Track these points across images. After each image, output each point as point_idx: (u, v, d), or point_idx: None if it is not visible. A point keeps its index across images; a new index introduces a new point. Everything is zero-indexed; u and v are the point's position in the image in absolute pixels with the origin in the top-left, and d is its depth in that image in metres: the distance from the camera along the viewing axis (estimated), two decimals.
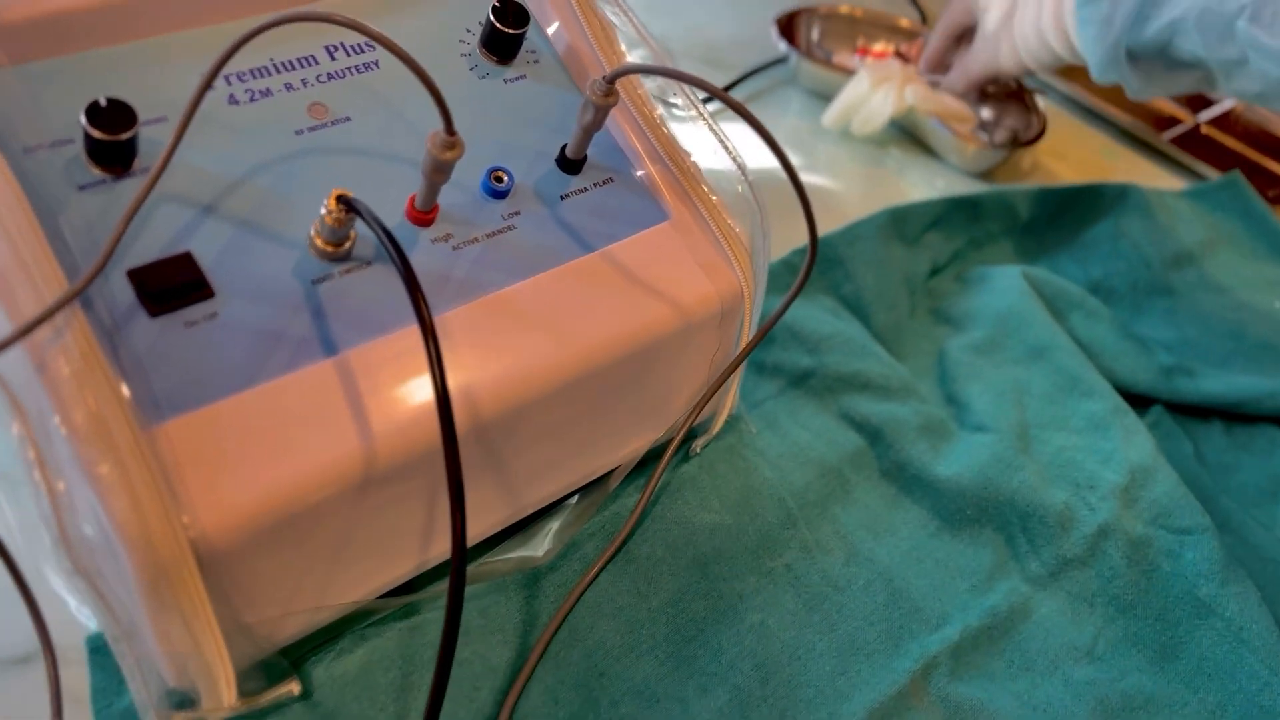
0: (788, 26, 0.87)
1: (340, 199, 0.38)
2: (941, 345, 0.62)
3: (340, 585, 0.41)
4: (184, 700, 0.38)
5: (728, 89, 0.78)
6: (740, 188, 0.48)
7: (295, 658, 0.42)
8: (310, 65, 0.44)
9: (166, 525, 0.33)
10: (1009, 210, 0.73)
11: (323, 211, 0.38)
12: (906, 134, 0.82)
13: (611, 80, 0.42)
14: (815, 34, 0.89)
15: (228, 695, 0.38)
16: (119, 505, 0.33)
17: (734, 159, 0.48)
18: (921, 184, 0.78)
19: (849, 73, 0.81)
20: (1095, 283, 0.70)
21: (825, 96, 0.82)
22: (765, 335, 0.48)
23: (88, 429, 0.33)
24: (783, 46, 0.84)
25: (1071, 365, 0.60)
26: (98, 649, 0.41)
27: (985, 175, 0.80)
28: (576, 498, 0.49)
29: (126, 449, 0.33)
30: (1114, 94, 0.92)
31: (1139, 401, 0.61)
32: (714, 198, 0.47)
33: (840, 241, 0.64)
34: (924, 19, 0.99)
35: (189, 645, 0.36)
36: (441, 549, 0.44)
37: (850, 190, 0.74)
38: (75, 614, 0.43)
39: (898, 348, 0.62)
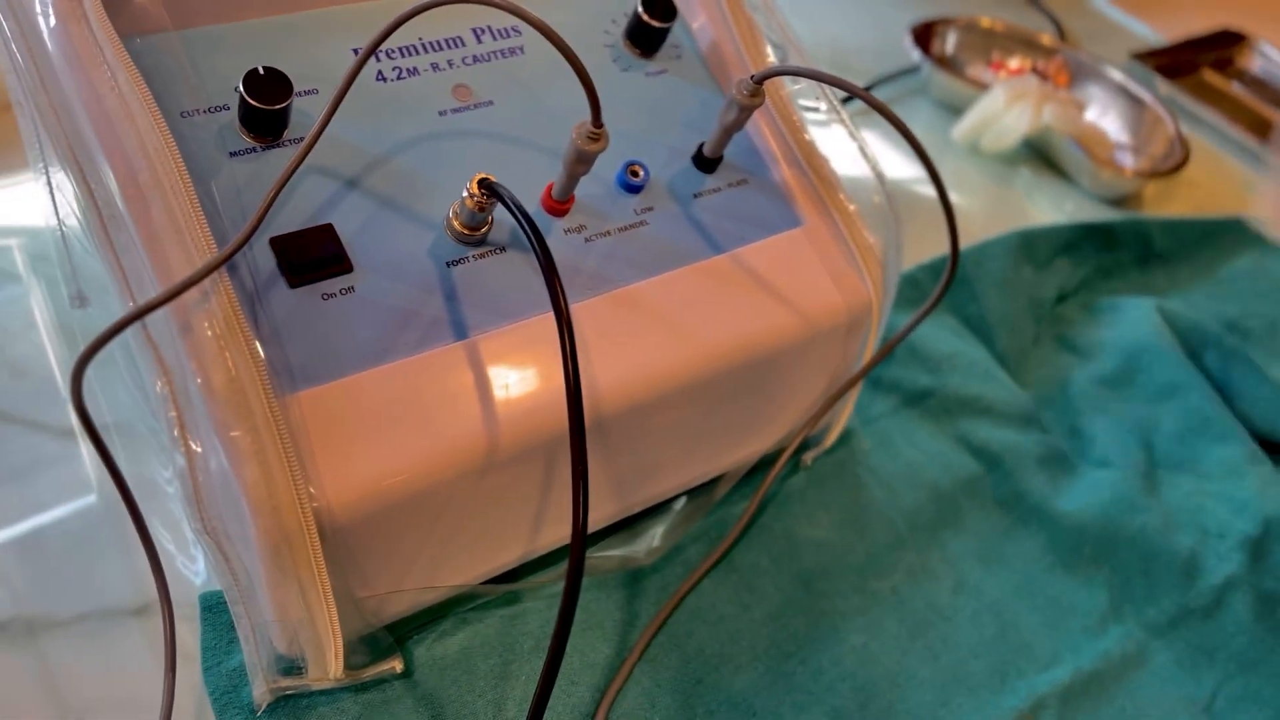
0: (923, 35, 0.85)
1: (483, 183, 0.38)
2: (1066, 375, 0.60)
3: (450, 567, 0.41)
4: (291, 667, 0.39)
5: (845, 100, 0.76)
6: (877, 198, 0.47)
7: (398, 636, 0.42)
8: (457, 47, 0.44)
9: (293, 494, 0.34)
10: (1143, 240, 0.70)
11: (464, 194, 0.38)
12: (1038, 153, 0.79)
13: (760, 81, 0.41)
14: (950, 45, 0.87)
15: (334, 666, 0.38)
16: (249, 471, 0.33)
17: (873, 168, 0.47)
18: (1050, 207, 0.75)
19: (983, 87, 0.79)
20: (1232, 321, 0.67)
21: (956, 109, 0.80)
22: (889, 353, 0.47)
23: (226, 393, 0.33)
24: (916, 55, 0.82)
25: (1205, 406, 0.57)
26: (210, 607, 0.42)
27: (1119, 202, 0.77)
28: (683, 500, 0.48)
29: (261, 416, 0.34)
30: (1259, 124, 0.88)
31: (1276, 450, 0.58)
32: (850, 207, 0.46)
33: (968, 260, 0.62)
34: (1062, 35, 0.96)
35: (303, 614, 0.36)
36: (549, 539, 0.44)
37: (976, 208, 0.72)
38: (183, 570, 0.44)
39: (1020, 374, 0.59)
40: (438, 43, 0.43)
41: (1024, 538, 0.52)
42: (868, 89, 0.82)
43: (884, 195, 0.47)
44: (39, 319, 0.53)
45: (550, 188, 0.41)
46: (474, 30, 0.44)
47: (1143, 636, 0.48)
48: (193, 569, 0.44)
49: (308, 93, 0.40)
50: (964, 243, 0.64)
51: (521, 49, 0.45)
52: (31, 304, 0.53)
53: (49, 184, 0.47)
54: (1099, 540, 0.51)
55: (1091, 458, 0.55)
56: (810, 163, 0.47)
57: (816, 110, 0.49)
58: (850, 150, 0.48)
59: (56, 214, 0.49)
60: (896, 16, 0.90)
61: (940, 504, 0.52)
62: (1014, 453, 0.53)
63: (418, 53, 0.43)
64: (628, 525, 0.48)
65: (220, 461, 0.34)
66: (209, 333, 0.34)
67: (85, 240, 0.45)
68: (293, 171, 0.36)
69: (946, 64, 0.85)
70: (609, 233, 0.42)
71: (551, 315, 0.40)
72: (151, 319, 0.35)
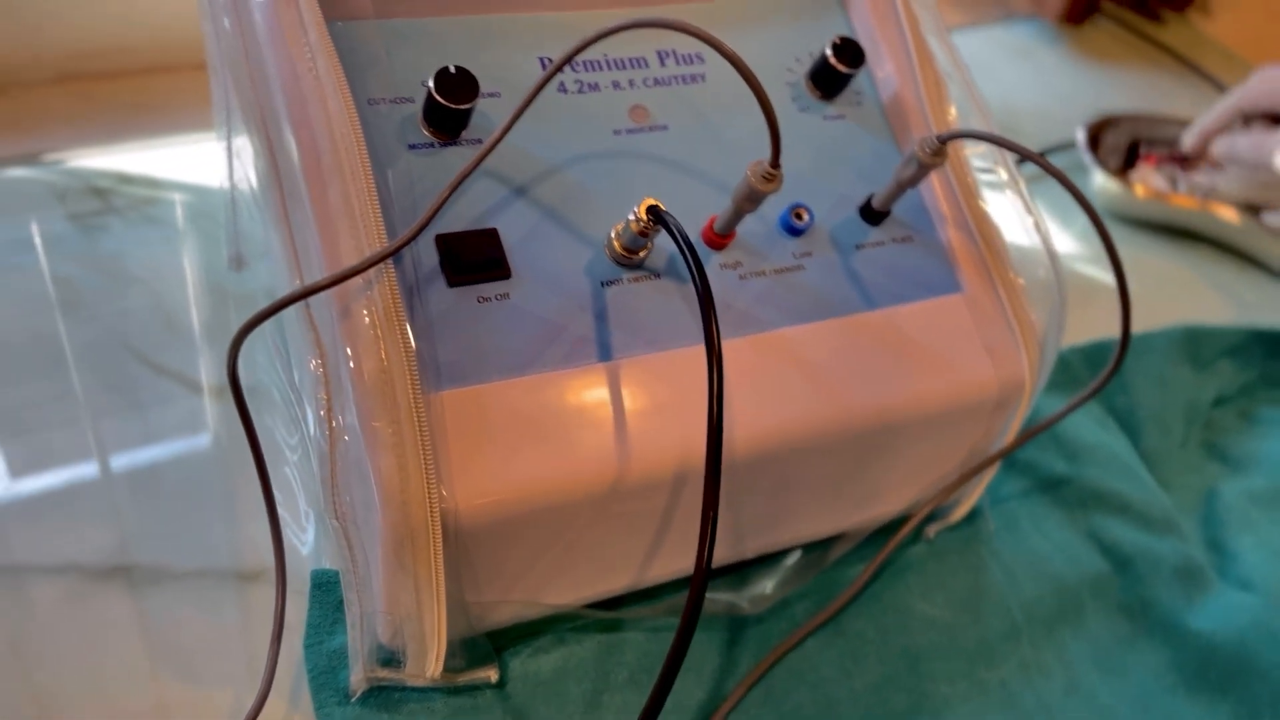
0: (1096, 132, 0.79)
1: (651, 209, 0.37)
2: (1214, 485, 0.57)
3: (559, 585, 0.40)
4: (391, 659, 0.39)
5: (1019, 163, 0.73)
6: (1044, 273, 0.45)
7: (496, 645, 0.42)
8: (640, 67, 0.44)
9: (424, 491, 0.34)
10: None
11: (630, 217, 0.38)
12: (1216, 230, 0.75)
13: (945, 141, 0.40)
14: (1123, 141, 0.81)
15: (433, 666, 0.38)
16: (386, 462, 0.34)
17: (1045, 243, 0.45)
18: (1226, 294, 0.71)
19: (1158, 197, 0.74)
20: None
21: (1127, 218, 0.76)
22: (1033, 438, 0.45)
23: (375, 382, 0.34)
24: (1087, 158, 0.77)
25: None
26: (321, 584, 0.42)
27: None
28: (798, 554, 0.47)
29: (405, 410, 0.34)
30: None
31: None
32: (1017, 280, 0.45)
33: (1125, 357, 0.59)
34: None
35: (412, 610, 0.36)
36: (660, 572, 0.43)
37: (1142, 288, 0.68)
38: (292, 539, 0.45)
39: (1164, 476, 0.56)
40: (621, 61, 0.43)
41: (1147, 650, 0.49)
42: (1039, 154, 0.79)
43: (1054, 273, 0.45)
44: (188, 274, 0.54)
45: (713, 220, 0.41)
46: (659, 52, 0.44)
47: None
48: (301, 538, 0.45)
49: (491, 95, 0.40)
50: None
51: (703, 77, 0.44)
52: (187, 261, 0.55)
53: (229, 147, 0.49)
54: (1230, 666, 0.47)
55: (1232, 577, 0.52)
56: (980, 228, 0.45)
57: (991, 172, 0.48)
58: (1020, 218, 0.46)
59: (230, 177, 0.51)
60: (1074, 84, 0.87)
61: (1062, 599, 0.49)
62: (1148, 558, 0.51)
63: (601, 69, 0.43)
64: (737, 570, 0.47)
65: (359, 449, 0.34)
66: (367, 321, 0.34)
67: (254, 207, 0.46)
68: (467, 174, 0.36)
69: (1119, 172, 0.79)
70: (764, 273, 0.42)
71: (696, 348, 0.39)
72: (314, 300, 0.36)
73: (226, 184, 0.51)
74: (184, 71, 0.64)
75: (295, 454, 0.48)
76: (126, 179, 0.58)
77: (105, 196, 0.56)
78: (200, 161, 0.60)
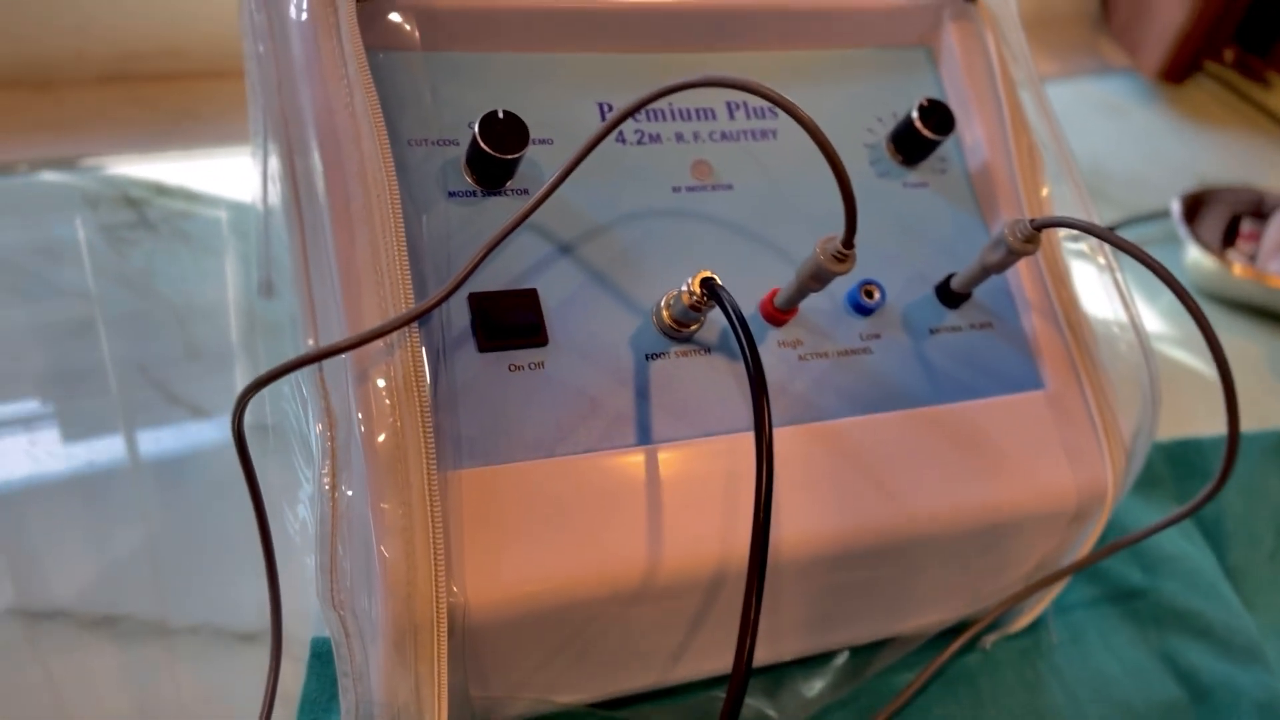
0: (1193, 207, 0.74)
1: (705, 282, 0.34)
2: None
3: (573, 683, 0.37)
4: None
5: (1112, 228, 0.68)
6: (1133, 362, 0.41)
7: None
8: (706, 119, 0.40)
9: (431, 584, 0.30)
10: None
11: (682, 288, 0.34)
12: None
13: (1040, 229, 0.36)
14: (1222, 218, 0.75)
15: None
16: (392, 549, 0.30)
17: (1141, 341, 0.41)
18: None
19: (1258, 277, 0.68)
20: None
21: (1222, 299, 0.71)
22: (1112, 553, 0.41)
23: (387, 459, 0.30)
24: (1182, 231, 0.72)
25: None
26: (320, 654, 0.39)
27: None
28: (840, 659, 0.43)
29: (417, 491, 0.31)
30: None
31: None
32: (1107, 380, 0.40)
33: (1213, 452, 0.54)
34: None
35: (411, 705, 0.33)
36: (684, 673, 0.39)
37: (1242, 384, 0.63)
38: (297, 598, 0.42)
39: (1250, 595, 0.51)
40: (688, 111, 0.40)
41: None
42: (1124, 224, 0.74)
43: (1149, 374, 0.40)
44: (220, 300, 0.52)
45: (774, 293, 0.37)
46: (728, 104, 0.40)
47: None
48: (309, 599, 0.42)
49: (543, 141, 0.37)
50: (1208, 428, 0.57)
51: (775, 133, 0.41)
52: (217, 283, 0.53)
53: (264, 170, 0.46)
54: None
55: None
56: (1069, 318, 0.41)
57: (1079, 239, 0.43)
58: (1109, 299, 0.42)
59: (265, 198, 0.48)
60: (1170, 149, 0.82)
61: None
62: (1228, 689, 0.46)
63: (665, 118, 0.39)
64: (771, 671, 0.43)
65: (364, 530, 0.31)
66: (384, 388, 0.31)
67: (285, 233, 0.44)
68: (506, 235, 0.33)
69: (1217, 248, 0.74)
70: (827, 354, 0.38)
71: (746, 436, 0.36)
72: (328, 361, 0.32)
73: (260, 206, 0.48)
74: (233, 79, 0.62)
75: (308, 508, 0.45)
76: (163, 190, 0.55)
77: (139, 207, 0.54)
78: (241, 176, 0.58)
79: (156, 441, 0.45)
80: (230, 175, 0.58)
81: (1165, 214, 0.74)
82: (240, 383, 0.49)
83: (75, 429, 0.45)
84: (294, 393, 0.45)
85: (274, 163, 0.44)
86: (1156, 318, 0.68)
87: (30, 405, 0.46)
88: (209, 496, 0.44)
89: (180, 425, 0.46)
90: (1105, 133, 0.85)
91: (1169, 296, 0.68)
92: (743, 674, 0.29)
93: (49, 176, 0.54)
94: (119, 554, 0.42)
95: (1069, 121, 0.76)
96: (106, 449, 0.45)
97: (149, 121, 0.59)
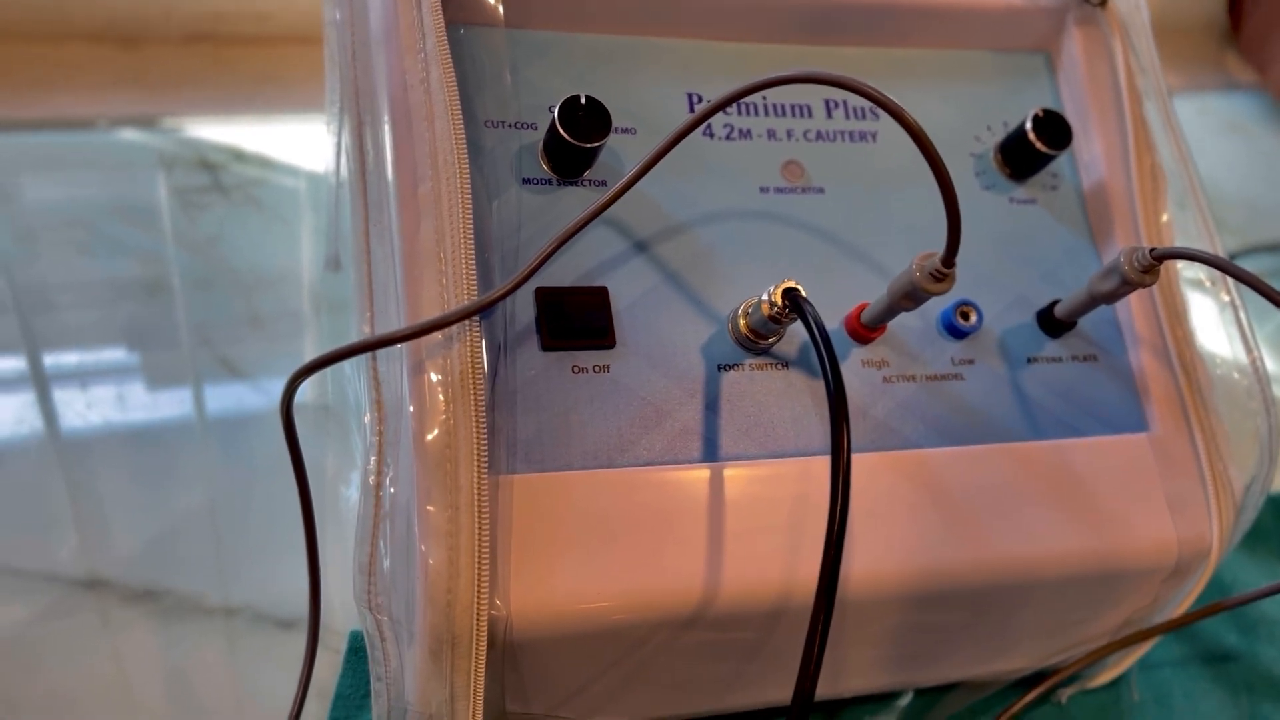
0: None
1: (788, 293, 0.31)
2: None
3: (615, 706, 0.35)
4: None
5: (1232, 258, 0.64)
6: (1256, 423, 0.37)
7: None
8: (802, 116, 0.37)
9: (473, 595, 0.29)
10: None
11: (763, 297, 0.32)
12: None
13: (1161, 259, 0.32)
14: None
15: None
16: (436, 555, 0.28)
17: (1261, 383, 0.37)
18: None
19: None
20: None
21: None
22: (1211, 615, 0.37)
23: (437, 458, 0.29)
24: None
25: None
26: (357, 649, 0.38)
27: None
28: (905, 699, 0.40)
29: (465, 495, 0.29)
30: None
31: None
32: (1222, 427, 0.37)
33: None
34: None
35: (445, 717, 0.31)
36: (736, 702, 0.37)
37: None
38: (338, 591, 0.40)
39: None
40: (782, 107, 0.37)
41: None
42: (1242, 254, 0.70)
43: (1269, 423, 0.37)
44: (288, 274, 0.51)
45: (862, 308, 0.34)
46: (826, 102, 0.38)
47: None
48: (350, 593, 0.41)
49: (625, 130, 0.35)
50: None
51: (875, 136, 0.38)
52: (286, 255, 0.51)
53: (338, 142, 0.45)
54: None
55: None
56: (1182, 358, 0.38)
57: (1197, 276, 0.40)
58: (1227, 333, 0.39)
59: (337, 170, 0.46)
60: None
61: None
62: None
63: (757, 113, 0.37)
64: (828, 709, 0.40)
65: (408, 532, 0.29)
66: (440, 383, 0.29)
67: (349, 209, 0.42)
68: (583, 226, 0.31)
69: None
70: (914, 378, 0.35)
71: (820, 460, 0.33)
72: (382, 351, 0.31)
73: (332, 179, 0.47)
74: (316, 45, 0.61)
75: (356, 493, 0.43)
76: (239, 155, 0.55)
77: (214, 171, 0.53)
78: (318, 145, 0.57)
79: (216, 409, 0.45)
80: (308, 144, 0.57)
81: None
82: (304, 357, 0.47)
83: (136, 390, 0.44)
84: (355, 374, 0.44)
85: (346, 136, 0.42)
86: (1266, 347, 0.63)
87: (93, 360, 0.45)
88: (264, 471, 0.43)
89: (239, 395, 0.45)
90: (1226, 154, 0.80)
91: (1275, 326, 0.64)
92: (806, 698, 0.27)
93: (128, 134, 0.54)
94: (168, 521, 0.41)
95: (1188, 140, 0.72)
96: (166, 413, 0.44)
97: (231, 84, 0.58)
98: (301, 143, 0.57)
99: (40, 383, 0.45)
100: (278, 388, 0.46)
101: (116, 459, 0.42)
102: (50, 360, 0.45)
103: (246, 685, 0.37)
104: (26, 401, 0.43)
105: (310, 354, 0.38)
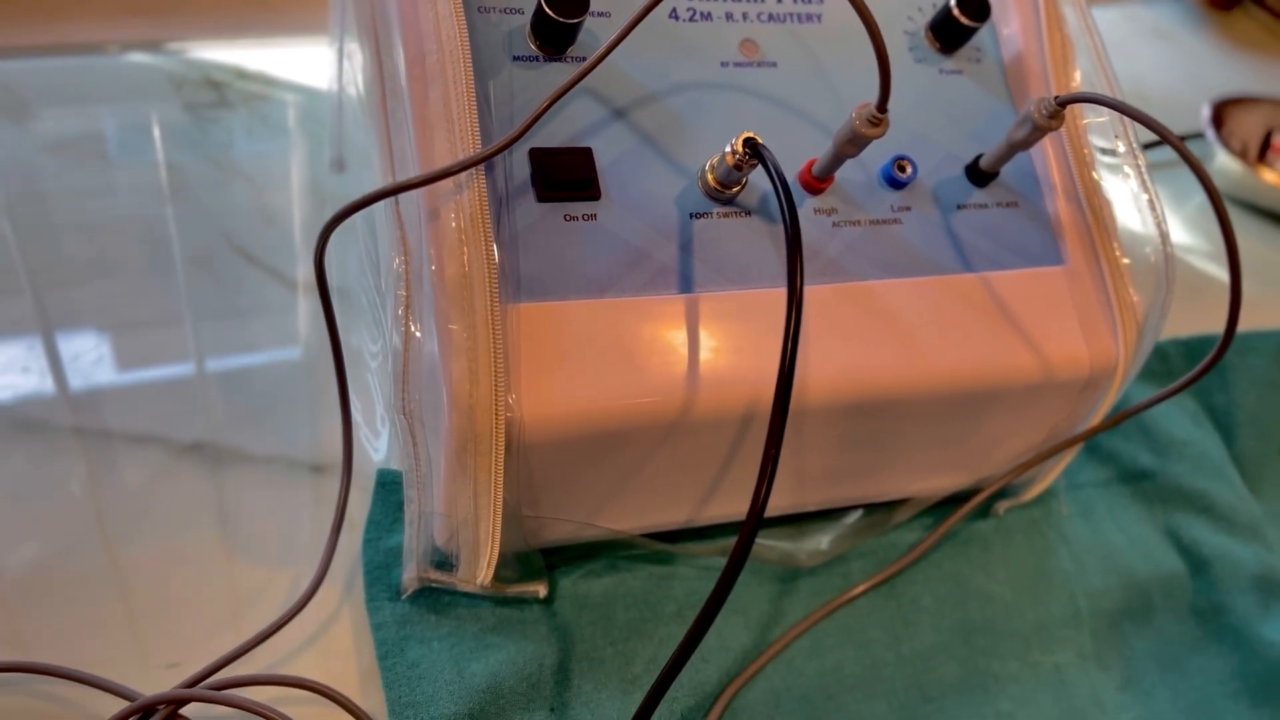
0: (1220, 115, 0.75)
1: (748, 142, 0.36)
2: None
3: (614, 511, 0.41)
4: (444, 562, 0.40)
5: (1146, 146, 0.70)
6: (1153, 256, 0.43)
7: (549, 562, 0.43)
8: (756, 0, 0.43)
9: (491, 398, 0.34)
10: None
11: (726, 150, 0.37)
12: None
13: (1063, 104, 0.38)
14: (1253, 130, 0.76)
15: (484, 573, 0.39)
16: (458, 366, 0.34)
17: (1159, 224, 0.43)
18: None
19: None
20: None
21: (1247, 204, 0.72)
22: (1119, 423, 0.43)
23: (455, 285, 0.34)
24: (1210, 134, 0.73)
25: None
26: (385, 483, 0.43)
27: None
28: (859, 513, 0.46)
29: (481, 315, 0.34)
30: None
31: None
32: (1124, 260, 0.43)
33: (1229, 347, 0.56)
34: None
35: (469, 515, 0.37)
36: (716, 512, 0.43)
37: (1258, 284, 0.65)
38: (364, 442, 0.46)
39: (1255, 483, 0.54)
40: None
41: (1213, 654, 0.47)
42: (1148, 146, 0.75)
43: (1163, 256, 0.43)
44: (294, 175, 0.56)
45: (812, 163, 0.40)
46: None
47: None
48: (375, 443, 0.46)
49: (601, 14, 0.40)
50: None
51: (819, 17, 0.43)
52: (291, 160, 0.56)
53: (340, 50, 0.50)
54: None
55: None
56: (1090, 201, 0.43)
57: (1110, 154, 0.46)
58: (1135, 196, 0.44)
59: (340, 80, 0.51)
60: (1213, 75, 0.83)
61: (1130, 594, 0.48)
62: (1226, 562, 0.49)
63: None
64: (795, 521, 0.46)
65: (433, 350, 0.35)
66: (454, 224, 0.34)
67: (359, 111, 0.47)
68: (568, 89, 0.36)
69: (1244, 154, 0.75)
70: (859, 223, 0.41)
71: (779, 290, 0.39)
72: (404, 199, 0.36)
73: (334, 87, 0.51)
74: None
75: (376, 361, 0.49)
76: (243, 74, 0.59)
77: (220, 90, 0.58)
78: (313, 64, 0.61)
79: (240, 301, 0.49)
80: (303, 63, 0.61)
81: (1199, 135, 0.75)
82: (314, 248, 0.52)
83: (168, 287, 0.49)
84: (361, 266, 0.49)
85: (351, 43, 0.47)
86: (1186, 231, 0.69)
87: (128, 268, 0.50)
88: (290, 349, 0.48)
89: (261, 285, 0.50)
90: (1149, 55, 0.86)
91: (1196, 209, 0.70)
92: (767, 480, 0.33)
93: (137, 58, 0.58)
94: (203, 388, 0.46)
95: (1113, 42, 0.78)
96: (198, 305, 0.49)
97: (231, 9, 0.62)
98: (298, 62, 0.61)
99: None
100: (291, 271, 0.51)
101: (155, 332, 0.47)
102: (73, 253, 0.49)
103: (291, 518, 0.43)
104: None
105: (313, 243, 0.43)
